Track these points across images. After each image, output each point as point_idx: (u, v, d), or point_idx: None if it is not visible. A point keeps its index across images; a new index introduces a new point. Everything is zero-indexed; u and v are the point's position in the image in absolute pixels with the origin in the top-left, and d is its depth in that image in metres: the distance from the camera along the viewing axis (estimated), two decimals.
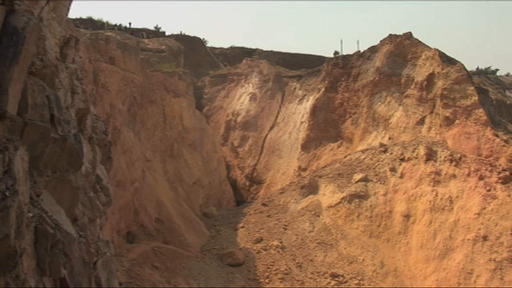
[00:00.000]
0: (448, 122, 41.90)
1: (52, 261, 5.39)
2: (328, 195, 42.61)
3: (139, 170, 37.63)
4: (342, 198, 41.35)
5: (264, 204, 45.23)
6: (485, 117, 39.90)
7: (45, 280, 5.35)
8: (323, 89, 55.02)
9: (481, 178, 37.93)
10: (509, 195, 36.37)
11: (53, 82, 6.40)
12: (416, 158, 41.84)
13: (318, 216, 40.96)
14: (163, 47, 57.03)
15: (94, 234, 7.30)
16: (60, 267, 5.48)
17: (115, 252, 29.68)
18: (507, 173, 37.10)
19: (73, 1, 8.54)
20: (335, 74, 55.00)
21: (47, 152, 5.82)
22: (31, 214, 5.18)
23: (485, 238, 35.44)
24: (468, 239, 36.03)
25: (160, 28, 68.87)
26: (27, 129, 5.39)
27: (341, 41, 77.26)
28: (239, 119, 62.11)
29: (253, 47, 76.96)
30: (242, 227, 41.08)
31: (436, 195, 39.24)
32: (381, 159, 43.69)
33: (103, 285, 7.12)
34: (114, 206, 31.59)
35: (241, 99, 64.61)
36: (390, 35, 50.88)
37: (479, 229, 35.88)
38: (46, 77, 6.12)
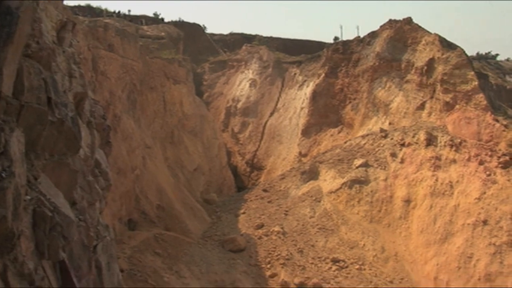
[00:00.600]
0: (448, 107, 41.83)
1: (50, 244, 5.37)
2: (328, 180, 42.63)
3: (140, 157, 37.60)
4: (343, 184, 41.37)
5: (265, 190, 45.29)
6: (485, 102, 39.80)
7: (44, 263, 5.34)
8: (323, 75, 54.88)
9: (481, 163, 37.92)
10: (508, 180, 36.37)
11: (49, 65, 6.35)
12: (417, 143, 41.82)
13: (319, 201, 41.01)
14: (163, 33, 56.81)
15: (93, 218, 7.28)
16: (59, 250, 5.47)
17: (116, 239, 29.77)
18: (507, 157, 37.08)
19: None
20: (335, 59, 54.85)
21: (44, 135, 5.78)
22: (29, 197, 5.15)
23: (485, 222, 35.49)
24: (468, 224, 36.08)
25: (159, 14, 68.72)
26: (24, 112, 5.35)
27: (341, 27, 77.24)
28: (239, 105, 62.01)
29: (253, 33, 76.78)
30: (243, 213, 41.17)
31: (437, 180, 39.25)
32: (381, 145, 43.66)
33: (103, 269, 7.12)
34: (115, 193, 31.62)
35: (241, 85, 64.47)
36: (390, 20, 50.64)
37: (479, 213, 35.93)
38: (42, 60, 6.07)
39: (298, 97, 58.10)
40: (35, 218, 5.23)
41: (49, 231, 5.29)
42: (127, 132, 36.16)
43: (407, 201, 39.94)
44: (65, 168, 6.29)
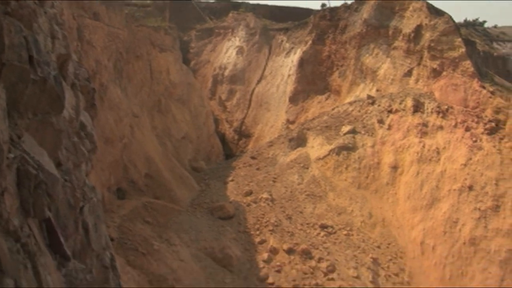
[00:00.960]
0: (436, 74, 41.89)
1: (35, 202, 5.36)
2: (316, 147, 42.82)
3: (127, 126, 37.44)
4: (330, 150, 41.57)
5: (253, 158, 45.42)
6: (472, 69, 39.88)
7: (30, 222, 5.34)
8: (310, 42, 54.63)
9: (467, 129, 38.17)
10: (494, 146, 36.69)
11: (31, 25, 6.25)
12: (404, 110, 41.97)
13: (307, 168, 41.24)
14: (148, 1, 56.08)
15: (79, 180, 7.26)
16: (44, 208, 5.46)
17: (105, 208, 29.80)
18: (493, 124, 37.34)
19: None
20: (322, 26, 54.55)
21: (27, 93, 5.71)
22: (12, 155, 5.11)
23: (470, 188, 35.89)
24: (454, 189, 36.48)
25: None
26: (5, 70, 5.26)
27: None
28: (226, 73, 61.69)
29: (240, 0, 75.92)
30: (232, 180, 41.31)
31: (423, 146, 39.52)
32: (368, 111, 43.81)
33: (91, 230, 7.14)
34: (103, 163, 31.57)
35: (228, 52, 64.05)
36: None
37: (465, 179, 36.30)
38: (23, 19, 5.97)
39: (285, 65, 57.87)
40: (19, 177, 5.21)
41: (33, 189, 5.27)
42: (114, 101, 35.92)
43: (394, 167, 40.26)
44: (49, 127, 6.24)
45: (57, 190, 5.72)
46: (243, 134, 56.29)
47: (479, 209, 35.08)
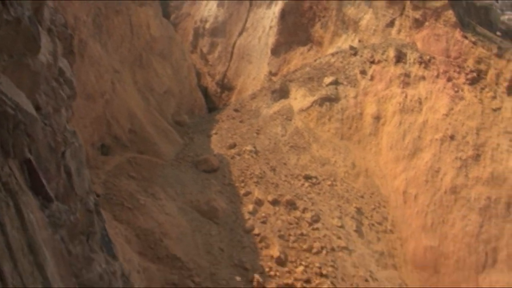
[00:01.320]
0: (418, 24, 41.76)
1: (15, 142, 5.32)
2: (299, 99, 42.81)
3: (109, 82, 36.97)
4: (313, 102, 41.62)
5: (236, 110, 45.31)
6: (454, 19, 39.80)
7: (11, 162, 5.31)
8: None
9: (449, 79, 38.38)
10: (475, 96, 37.00)
11: None
12: (386, 60, 41.96)
13: (290, 120, 41.31)
14: None
15: (60, 124, 7.21)
16: (24, 148, 5.43)
17: (90, 165, 29.72)
18: (475, 74, 37.58)
19: None
20: None
21: (1, 34, 5.59)
22: None
23: (452, 137, 36.35)
24: (436, 139, 36.93)
25: None
26: None
27: None
28: (207, 25, 60.82)
29: None
30: (215, 133, 41.23)
31: (406, 96, 39.73)
32: (351, 62, 43.72)
33: (73, 174, 7.13)
34: (85, 119, 31.30)
35: (209, 5, 62.99)
36: None
37: (447, 129, 36.72)
38: None
39: (267, 16, 57.09)
40: None
41: (12, 130, 5.23)
42: (94, 57, 35.33)
43: (377, 118, 40.51)
44: (25, 69, 6.14)
45: (36, 130, 5.68)
46: (226, 87, 55.92)
47: (460, 158, 35.64)
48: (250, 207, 33.07)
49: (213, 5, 62.14)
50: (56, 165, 6.52)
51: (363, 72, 42.40)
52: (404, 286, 33.31)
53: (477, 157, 35.41)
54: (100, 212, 7.29)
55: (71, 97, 8.32)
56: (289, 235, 31.95)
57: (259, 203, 33.54)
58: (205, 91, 55.62)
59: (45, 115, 6.76)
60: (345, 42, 47.64)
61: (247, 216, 32.53)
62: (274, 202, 33.83)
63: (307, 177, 36.94)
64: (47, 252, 5.13)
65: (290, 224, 32.76)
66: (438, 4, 40.70)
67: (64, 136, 7.26)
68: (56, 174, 6.47)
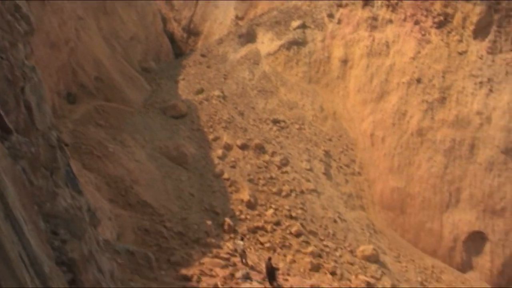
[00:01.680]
0: None
1: None
2: (266, 43, 42.57)
3: (73, 29, 36.10)
4: (281, 46, 41.46)
5: (203, 55, 44.87)
6: None
7: None
8: None
9: (416, 23, 38.36)
10: (442, 40, 37.12)
11: None
12: (353, 4, 41.73)
13: (257, 64, 41.15)
14: None
15: (17, 59, 7.09)
16: None
17: (57, 114, 29.28)
18: (442, 18, 37.54)
19: None
20: None
21: None
22: None
23: (418, 80, 36.65)
24: (403, 82, 37.22)
25: None
26: None
27: None
28: None
29: None
30: (183, 79, 40.87)
31: (373, 40, 39.74)
32: (318, 6, 43.41)
33: (34, 109, 7.07)
34: (50, 68, 30.69)
35: None
36: None
37: (414, 72, 36.97)
38: None
39: None
40: None
41: None
42: (56, 4, 34.33)
43: (345, 61, 40.59)
44: None
45: None
46: (192, 32, 55.01)
47: (426, 101, 36.07)
48: (219, 152, 33.25)
49: None
50: (15, 99, 6.44)
51: (331, 16, 42.18)
52: (372, 226, 34.13)
53: (443, 100, 35.85)
54: (63, 148, 7.29)
55: (29, 33, 8.15)
56: (259, 179, 32.34)
57: (228, 147, 33.72)
58: (171, 37, 54.63)
59: (1, 49, 6.64)
60: None
61: (216, 161, 32.73)
62: (243, 147, 34.04)
63: (276, 121, 37.14)
64: (7, 180, 5.13)
65: (259, 168, 33.11)
66: None
67: (22, 71, 7.15)
68: (15, 108, 6.40)
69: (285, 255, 28.39)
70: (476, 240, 33.74)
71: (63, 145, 7.41)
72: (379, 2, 40.65)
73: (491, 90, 34.70)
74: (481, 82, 35.05)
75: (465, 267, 33.68)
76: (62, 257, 4.59)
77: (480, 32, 35.89)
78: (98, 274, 5.93)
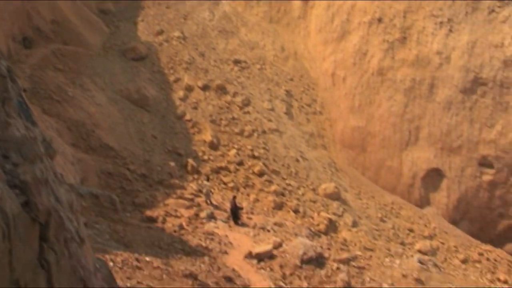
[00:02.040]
0: None
1: None
2: None
3: None
4: None
5: None
6: None
7: None
8: None
9: None
10: None
11: None
12: None
13: (218, 4, 40.71)
14: None
15: None
16: None
17: (13, 59, 28.67)
18: None
19: None
20: None
21: None
22: None
23: (379, 20, 36.80)
24: (364, 22, 37.35)
25: None
26: None
27: None
28: None
29: None
30: (142, 20, 40.02)
31: None
32: None
33: None
34: (3, 12, 29.81)
35: None
36: None
37: (375, 12, 37.06)
38: None
39: None
40: None
41: None
42: None
43: (305, 0, 40.38)
44: None
45: None
46: None
47: (387, 41, 36.39)
48: (181, 93, 33.22)
49: None
50: None
51: None
52: (333, 165, 34.86)
53: (403, 40, 36.19)
54: (15, 79, 7.27)
55: None
56: (221, 119, 32.55)
57: (189, 89, 33.69)
58: None
59: None
60: None
61: (178, 102, 32.73)
62: (204, 87, 34.06)
63: (237, 61, 37.10)
64: None
65: (221, 108, 33.27)
66: None
67: None
68: None
69: (248, 194, 28.99)
70: (434, 176, 34.89)
71: (14, 76, 7.37)
72: None
73: (451, 30, 35.10)
74: (441, 22, 35.38)
75: (423, 202, 34.94)
76: (14, 180, 4.70)
77: None
78: (56, 203, 6.09)
